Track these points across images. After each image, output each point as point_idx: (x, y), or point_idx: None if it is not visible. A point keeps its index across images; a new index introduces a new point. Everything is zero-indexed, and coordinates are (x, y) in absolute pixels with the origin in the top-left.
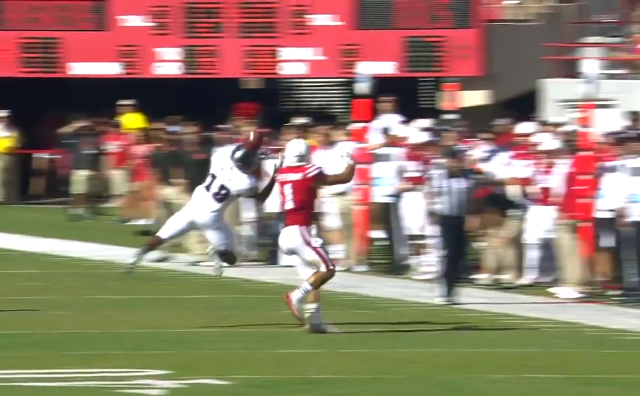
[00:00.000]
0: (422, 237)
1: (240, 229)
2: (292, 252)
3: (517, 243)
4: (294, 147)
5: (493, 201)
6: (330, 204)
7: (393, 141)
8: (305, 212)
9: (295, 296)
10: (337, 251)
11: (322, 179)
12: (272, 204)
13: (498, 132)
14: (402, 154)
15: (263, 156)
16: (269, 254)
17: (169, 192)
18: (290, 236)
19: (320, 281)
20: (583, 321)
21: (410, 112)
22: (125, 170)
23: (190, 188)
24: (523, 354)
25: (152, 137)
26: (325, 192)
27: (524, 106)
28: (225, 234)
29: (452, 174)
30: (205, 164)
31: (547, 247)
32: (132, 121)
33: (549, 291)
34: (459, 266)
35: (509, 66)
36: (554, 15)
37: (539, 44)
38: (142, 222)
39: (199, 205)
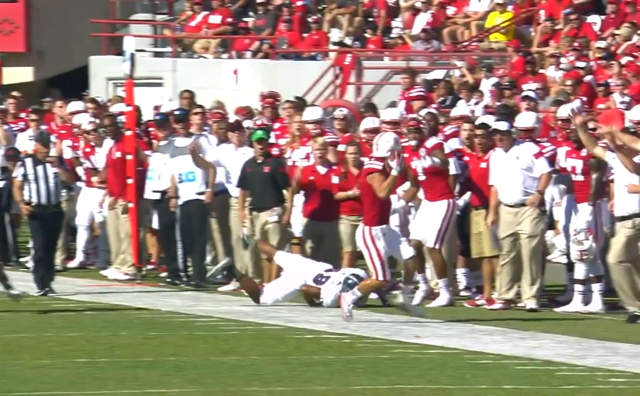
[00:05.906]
0: None
1: None
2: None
3: (67, 226)
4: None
5: None
6: None
7: None
8: (367, 211)
9: (347, 298)
10: None
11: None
12: None
13: (45, 111)
14: None
15: None
16: None
17: None
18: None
19: (369, 289)
20: (132, 304)
21: None
22: None
23: None
24: (70, 338)
25: None
26: None
27: (74, 83)
28: None
29: (40, 161)
30: None
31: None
32: None
33: (101, 273)
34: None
35: (56, 42)
36: None
37: (88, 20)
38: None
39: None
